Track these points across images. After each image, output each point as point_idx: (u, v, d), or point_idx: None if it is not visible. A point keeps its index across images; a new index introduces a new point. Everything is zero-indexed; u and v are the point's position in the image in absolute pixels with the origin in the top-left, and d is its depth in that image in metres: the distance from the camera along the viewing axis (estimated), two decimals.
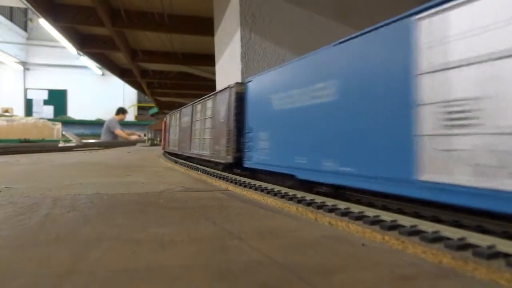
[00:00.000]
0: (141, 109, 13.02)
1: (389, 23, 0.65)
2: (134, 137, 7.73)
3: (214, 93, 1.51)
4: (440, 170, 0.54)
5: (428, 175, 0.56)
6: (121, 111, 7.34)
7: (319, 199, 0.81)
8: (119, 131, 7.04)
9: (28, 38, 12.65)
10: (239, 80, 1.68)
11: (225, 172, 1.41)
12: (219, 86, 2.22)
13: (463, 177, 0.51)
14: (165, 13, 3.12)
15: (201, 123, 1.74)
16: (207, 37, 3.02)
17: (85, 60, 9.59)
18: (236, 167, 1.29)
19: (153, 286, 0.40)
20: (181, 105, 2.63)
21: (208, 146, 1.58)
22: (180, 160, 2.16)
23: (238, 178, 1.22)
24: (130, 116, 12.56)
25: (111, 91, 12.59)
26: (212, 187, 1.22)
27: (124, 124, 8.21)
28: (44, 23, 4.95)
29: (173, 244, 0.56)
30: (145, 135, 8.02)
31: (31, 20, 12.24)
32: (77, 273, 0.44)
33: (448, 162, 0.53)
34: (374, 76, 0.67)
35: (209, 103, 1.59)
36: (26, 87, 12.52)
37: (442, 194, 0.54)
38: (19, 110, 11.55)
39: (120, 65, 5.41)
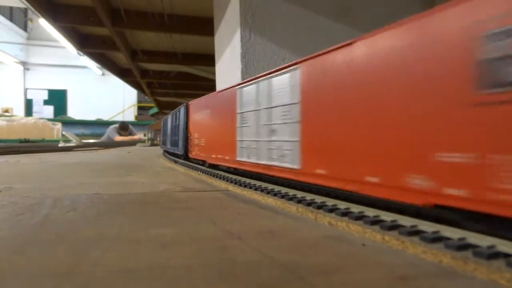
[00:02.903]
0: (141, 109, 13.03)
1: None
2: (137, 137, 7.78)
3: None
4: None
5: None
6: (123, 128, 7.42)
7: (319, 199, 0.81)
8: (118, 138, 7.10)
9: (28, 38, 12.67)
10: (240, 80, 1.69)
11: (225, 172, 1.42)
12: (219, 86, 2.22)
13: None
14: (165, 13, 3.12)
15: None
16: (207, 37, 3.02)
17: (85, 60, 9.59)
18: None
19: (153, 286, 0.40)
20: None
21: None
22: (180, 160, 2.15)
23: (238, 178, 1.22)
24: (130, 116, 12.58)
25: (111, 91, 12.60)
26: (212, 187, 1.22)
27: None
28: (44, 23, 4.96)
29: (173, 244, 0.56)
30: (145, 135, 8.03)
31: (31, 20, 12.25)
32: (77, 273, 0.44)
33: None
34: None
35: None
36: (26, 87, 12.53)
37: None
38: (19, 110, 11.57)
39: (120, 65, 5.41)
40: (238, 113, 1.21)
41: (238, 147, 1.21)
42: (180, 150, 2.14)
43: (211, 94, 1.53)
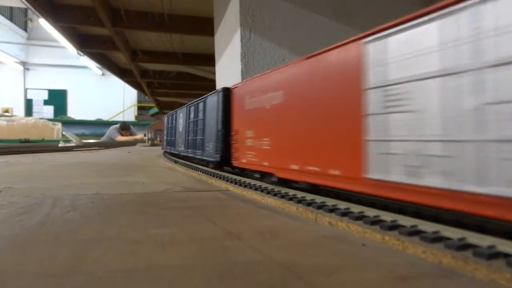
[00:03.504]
0: (141, 109, 13.04)
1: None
2: (138, 137, 7.86)
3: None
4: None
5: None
6: (124, 128, 7.48)
7: (319, 199, 0.81)
8: (120, 138, 7.19)
9: (28, 38, 12.67)
10: (240, 80, 1.68)
11: (225, 172, 1.42)
12: (219, 86, 2.22)
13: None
14: (165, 13, 3.13)
15: None
16: (207, 37, 3.02)
17: (85, 60, 9.60)
18: None
19: (153, 286, 0.40)
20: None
21: None
22: (180, 160, 2.16)
23: (238, 178, 1.22)
24: (130, 116, 12.58)
25: (111, 91, 12.60)
26: (212, 187, 1.22)
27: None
28: (44, 23, 4.96)
29: (173, 244, 0.56)
30: (145, 135, 8.03)
31: (31, 20, 12.25)
32: (77, 273, 0.44)
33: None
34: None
35: None
36: (26, 87, 12.53)
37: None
38: (19, 110, 11.57)
39: (120, 65, 5.42)
40: (370, 88, 0.66)
41: (372, 153, 0.65)
42: (210, 156, 1.50)
43: (284, 67, 0.96)
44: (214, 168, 1.53)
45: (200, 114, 1.72)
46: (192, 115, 1.93)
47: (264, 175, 1.10)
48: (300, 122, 0.88)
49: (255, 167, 1.13)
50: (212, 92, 1.53)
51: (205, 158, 1.60)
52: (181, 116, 2.28)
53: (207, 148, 1.57)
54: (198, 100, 1.78)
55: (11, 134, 6.89)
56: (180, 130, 2.27)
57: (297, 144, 0.89)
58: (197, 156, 1.77)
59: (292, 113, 0.92)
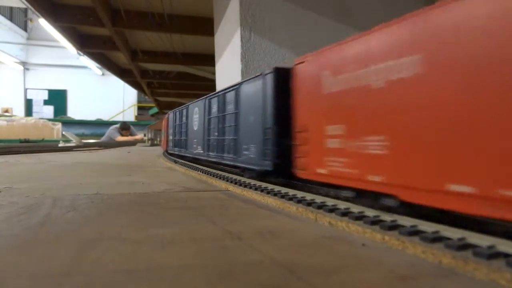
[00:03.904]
0: (141, 109, 13.04)
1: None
2: (138, 137, 7.89)
3: None
4: None
5: None
6: (124, 127, 7.50)
7: (319, 199, 0.81)
8: (120, 138, 7.21)
9: (28, 38, 12.67)
10: (239, 80, 1.69)
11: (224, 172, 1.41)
12: (219, 86, 2.22)
13: None
14: (165, 13, 3.13)
15: None
16: (207, 37, 3.02)
17: (85, 60, 9.60)
18: None
19: (153, 286, 0.40)
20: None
21: None
22: (180, 160, 2.15)
23: (238, 178, 1.22)
24: (130, 116, 12.59)
25: (111, 91, 12.60)
26: (212, 187, 1.22)
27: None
28: (44, 23, 4.96)
29: (173, 244, 0.56)
30: (145, 135, 8.04)
31: (31, 20, 12.26)
32: (77, 273, 0.44)
33: None
34: None
35: None
36: (26, 87, 12.53)
37: None
38: (19, 110, 11.57)
39: (120, 65, 5.42)
40: None
41: None
42: (252, 162, 1.14)
43: (423, 15, 0.56)
44: (255, 178, 1.15)
45: (230, 107, 1.35)
46: (214, 109, 1.54)
47: (362, 195, 0.71)
48: (482, 106, 0.48)
49: (348, 182, 0.73)
50: (251, 77, 1.17)
51: (240, 165, 1.23)
52: (196, 111, 1.87)
53: (244, 152, 1.19)
54: (225, 90, 1.42)
55: (11, 134, 6.90)
56: (195, 129, 1.88)
57: (469, 146, 0.49)
58: (225, 162, 1.40)
59: (454, 91, 0.52)
